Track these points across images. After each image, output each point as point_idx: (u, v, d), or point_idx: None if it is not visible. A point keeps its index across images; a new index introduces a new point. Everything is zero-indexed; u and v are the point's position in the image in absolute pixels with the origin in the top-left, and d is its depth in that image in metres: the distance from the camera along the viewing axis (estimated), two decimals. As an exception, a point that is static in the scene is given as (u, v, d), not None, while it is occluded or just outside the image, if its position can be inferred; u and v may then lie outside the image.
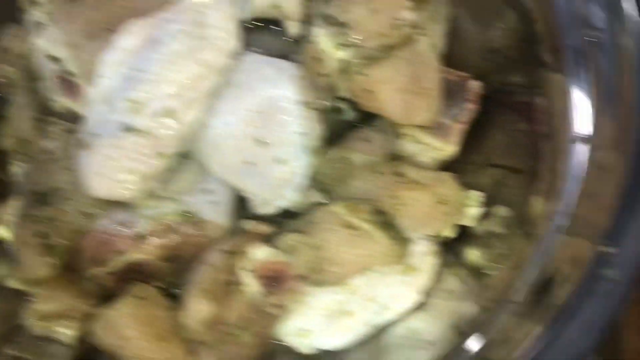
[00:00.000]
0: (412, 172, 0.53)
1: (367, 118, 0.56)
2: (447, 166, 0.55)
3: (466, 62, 0.58)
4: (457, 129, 0.55)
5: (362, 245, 0.49)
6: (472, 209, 0.53)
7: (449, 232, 0.53)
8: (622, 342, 0.52)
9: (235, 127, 0.49)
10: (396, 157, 0.55)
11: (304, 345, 0.50)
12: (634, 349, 0.51)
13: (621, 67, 0.45)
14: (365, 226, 0.49)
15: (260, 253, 0.48)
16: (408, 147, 0.55)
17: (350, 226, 0.49)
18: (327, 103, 0.54)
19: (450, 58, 0.57)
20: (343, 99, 0.55)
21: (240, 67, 0.50)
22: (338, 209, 0.50)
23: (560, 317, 0.37)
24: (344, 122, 0.57)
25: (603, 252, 0.38)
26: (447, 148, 0.54)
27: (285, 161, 0.49)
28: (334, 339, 0.51)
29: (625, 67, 0.45)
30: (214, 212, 0.51)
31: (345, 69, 0.53)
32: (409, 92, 0.53)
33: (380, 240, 0.50)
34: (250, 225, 0.49)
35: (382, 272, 0.51)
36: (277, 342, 0.50)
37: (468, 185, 0.54)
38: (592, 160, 0.43)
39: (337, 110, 0.56)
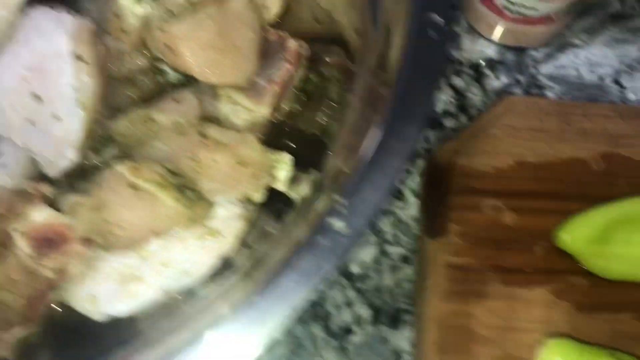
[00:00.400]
0: (215, 133, 0.51)
1: (194, 79, 0.54)
2: (270, 129, 0.54)
3: (302, 23, 0.56)
4: (271, 90, 0.53)
5: (145, 207, 0.47)
6: (281, 172, 0.51)
7: (257, 196, 0.51)
8: (427, 307, 0.49)
9: (13, 83, 0.47)
10: (209, 119, 0.53)
11: (93, 311, 0.48)
12: (438, 315, 0.49)
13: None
14: (149, 187, 0.47)
15: (37, 215, 0.46)
16: (223, 108, 0.53)
17: (134, 187, 0.47)
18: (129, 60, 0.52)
19: (286, 18, 0.55)
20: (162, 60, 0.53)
21: (22, 21, 0.48)
22: (122, 169, 0.48)
23: (278, 268, 0.35)
24: (169, 84, 0.55)
25: (335, 202, 0.36)
26: (260, 110, 0.53)
27: (62, 118, 0.47)
28: (125, 306, 0.49)
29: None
30: (1, 175, 0.49)
31: (146, 25, 0.51)
32: (216, 50, 0.51)
33: (167, 203, 0.48)
34: (30, 186, 0.47)
35: (181, 237, 0.49)
36: (66, 308, 0.49)
37: (285, 149, 0.52)
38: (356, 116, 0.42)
39: (158, 71, 0.55)
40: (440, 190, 0.52)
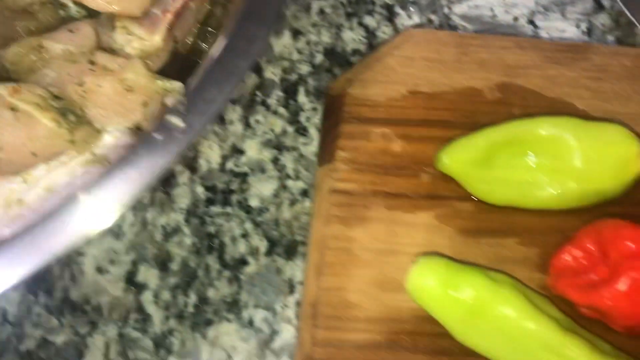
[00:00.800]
0: (103, 60, 0.51)
1: (96, 13, 0.54)
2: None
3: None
4: (165, 19, 0.53)
5: (23, 128, 0.47)
6: (172, 100, 0.51)
7: (148, 125, 0.51)
8: (310, 230, 0.49)
9: None
10: (104, 50, 0.53)
11: (-24, 236, 0.48)
12: (319, 238, 0.48)
13: None
14: (28, 108, 0.47)
15: None
16: (118, 39, 0.53)
17: (14, 108, 0.47)
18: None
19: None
20: (62, -7, 0.53)
21: None
22: (2, 90, 0.48)
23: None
24: (71, 18, 0.55)
25: (175, 101, 0.36)
26: (152, 39, 0.52)
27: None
28: (9, 230, 0.48)
29: None
30: None
31: (36, -48, 0.51)
32: (109, -21, 0.51)
33: (46, 124, 0.47)
34: None
35: (66, 163, 0.49)
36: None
37: (178, 77, 0.52)
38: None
39: (59, 5, 0.55)
40: (333, 119, 0.52)
